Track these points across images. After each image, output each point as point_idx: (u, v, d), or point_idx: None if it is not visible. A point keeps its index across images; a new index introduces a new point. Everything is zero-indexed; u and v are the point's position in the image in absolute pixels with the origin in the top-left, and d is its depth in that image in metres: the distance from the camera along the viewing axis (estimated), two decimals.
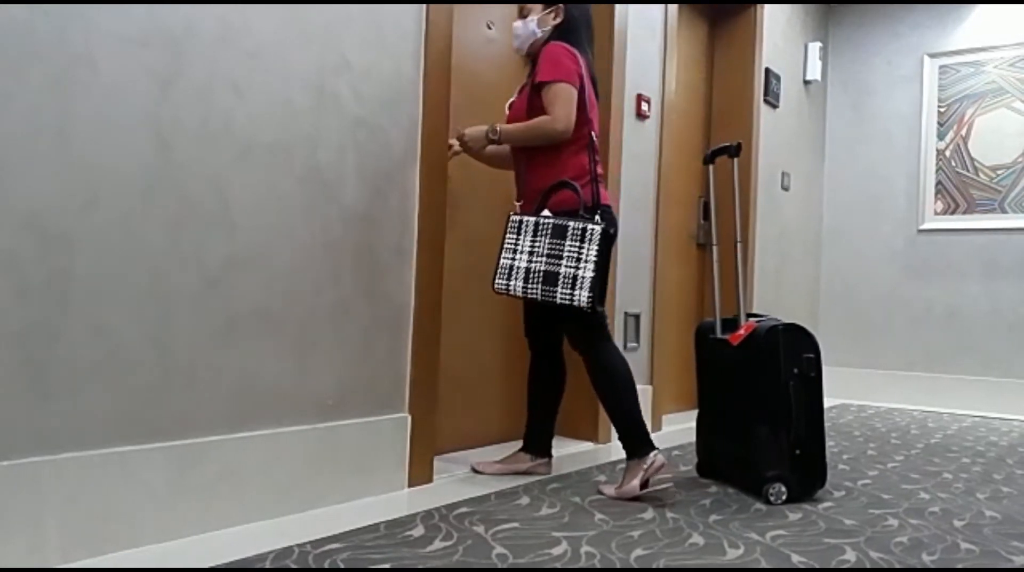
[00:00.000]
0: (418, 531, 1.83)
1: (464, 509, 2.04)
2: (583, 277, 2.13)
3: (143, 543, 1.65)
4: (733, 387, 2.43)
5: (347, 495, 2.10)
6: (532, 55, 2.41)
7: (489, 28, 2.94)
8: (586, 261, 2.14)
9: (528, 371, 2.57)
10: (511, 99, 2.50)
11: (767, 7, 4.50)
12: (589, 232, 2.16)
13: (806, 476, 2.29)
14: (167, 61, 1.70)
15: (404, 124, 2.27)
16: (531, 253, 2.18)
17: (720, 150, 2.60)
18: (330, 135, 2.06)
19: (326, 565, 1.57)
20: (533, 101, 2.33)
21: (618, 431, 2.32)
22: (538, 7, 2.40)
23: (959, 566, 1.74)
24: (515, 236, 2.24)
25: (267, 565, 1.56)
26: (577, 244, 2.15)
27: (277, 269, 1.93)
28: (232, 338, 1.84)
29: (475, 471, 2.50)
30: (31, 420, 1.50)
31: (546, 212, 2.24)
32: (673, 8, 3.62)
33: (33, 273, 1.49)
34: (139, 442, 1.66)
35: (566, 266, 2.15)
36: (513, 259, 2.21)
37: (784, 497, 2.23)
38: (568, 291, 2.14)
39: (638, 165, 3.42)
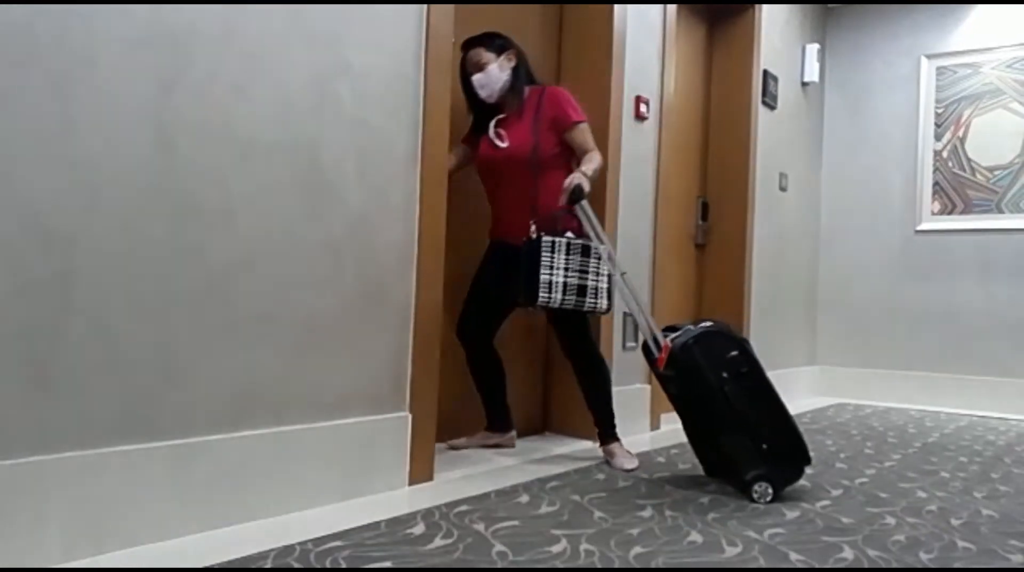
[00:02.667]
0: (419, 529, 1.84)
1: (464, 507, 2.05)
2: (603, 288, 2.56)
3: (144, 541, 1.66)
4: (682, 403, 2.48)
5: (348, 493, 2.10)
6: (501, 97, 2.71)
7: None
8: (603, 275, 2.55)
9: (474, 365, 2.85)
10: (489, 134, 2.72)
11: (765, 8, 4.51)
12: (602, 252, 2.56)
13: (785, 466, 2.28)
14: (168, 61, 1.70)
15: (405, 124, 2.28)
16: (566, 269, 2.48)
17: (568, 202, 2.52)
18: (331, 135, 2.07)
19: (327, 563, 1.58)
20: (545, 136, 2.67)
21: (604, 416, 2.76)
22: (491, 55, 2.67)
23: (956, 565, 1.75)
24: (550, 255, 2.48)
25: (268, 563, 1.57)
26: (596, 262, 2.54)
27: (278, 269, 1.94)
28: (233, 337, 1.84)
29: (452, 448, 2.80)
30: (33, 419, 1.50)
31: (570, 234, 2.53)
32: (672, 9, 3.63)
33: (35, 273, 1.50)
34: (140, 441, 1.67)
35: (591, 280, 2.52)
36: (551, 275, 2.46)
37: (770, 494, 2.23)
38: (593, 300, 2.53)
39: (637, 166, 3.43)
